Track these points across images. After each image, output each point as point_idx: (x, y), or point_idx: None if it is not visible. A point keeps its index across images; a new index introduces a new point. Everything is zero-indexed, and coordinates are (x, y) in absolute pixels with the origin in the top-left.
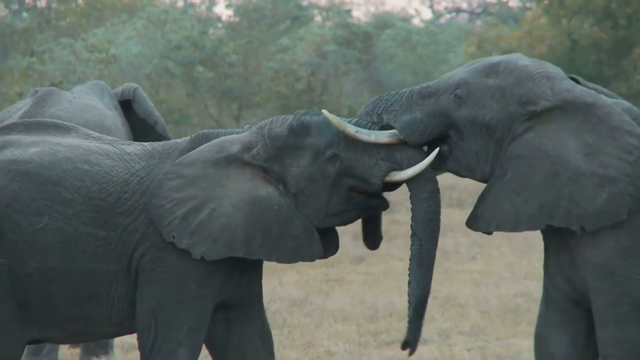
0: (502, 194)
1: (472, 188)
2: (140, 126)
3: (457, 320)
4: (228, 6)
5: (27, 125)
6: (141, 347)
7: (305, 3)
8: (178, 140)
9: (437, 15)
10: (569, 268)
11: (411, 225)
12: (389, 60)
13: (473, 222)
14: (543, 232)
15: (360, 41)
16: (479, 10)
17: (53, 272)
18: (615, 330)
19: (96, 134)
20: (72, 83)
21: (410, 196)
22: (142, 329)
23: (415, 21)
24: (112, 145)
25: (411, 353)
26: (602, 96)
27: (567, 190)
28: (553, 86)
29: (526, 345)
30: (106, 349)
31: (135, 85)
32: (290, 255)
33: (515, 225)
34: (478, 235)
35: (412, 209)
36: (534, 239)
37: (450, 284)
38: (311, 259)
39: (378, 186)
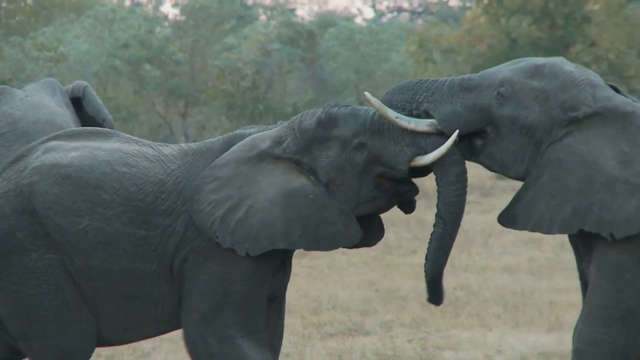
0: (539, 196)
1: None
2: (90, 123)
3: (398, 313)
4: (174, 5)
5: (71, 134)
6: (192, 353)
7: (250, 2)
8: (212, 139)
9: (379, 14)
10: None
11: (437, 206)
12: (332, 59)
13: (509, 221)
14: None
15: (304, 40)
16: (420, 9)
17: (96, 272)
18: (599, 331)
19: (136, 138)
20: (22, 81)
21: (435, 179)
22: (188, 333)
23: (358, 20)
24: (151, 148)
25: (437, 304)
26: None
27: (600, 196)
28: (595, 93)
29: (465, 336)
30: None
31: (85, 83)
32: (330, 242)
33: (550, 227)
34: (419, 230)
35: (438, 191)
36: (474, 234)
37: (392, 277)
38: (351, 243)
39: (404, 172)
